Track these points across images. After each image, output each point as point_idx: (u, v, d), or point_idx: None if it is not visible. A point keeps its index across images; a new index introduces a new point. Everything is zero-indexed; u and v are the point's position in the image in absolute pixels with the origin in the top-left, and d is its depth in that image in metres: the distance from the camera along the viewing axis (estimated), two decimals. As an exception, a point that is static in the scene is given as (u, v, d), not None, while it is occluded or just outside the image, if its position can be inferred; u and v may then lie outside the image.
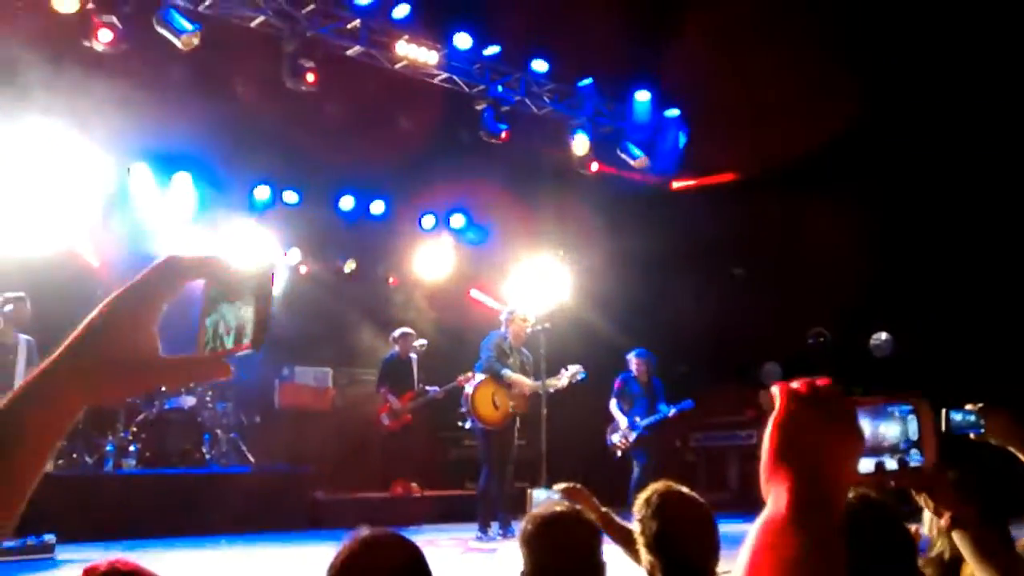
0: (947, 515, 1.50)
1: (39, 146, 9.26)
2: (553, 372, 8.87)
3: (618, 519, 3.01)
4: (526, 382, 8.61)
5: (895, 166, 10.74)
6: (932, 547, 2.49)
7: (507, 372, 8.58)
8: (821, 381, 0.99)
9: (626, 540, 2.82)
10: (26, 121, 8.99)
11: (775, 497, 0.90)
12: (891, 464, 1.17)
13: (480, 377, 8.67)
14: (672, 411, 9.94)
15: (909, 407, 1.18)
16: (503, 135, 11.08)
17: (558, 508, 2.59)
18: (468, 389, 8.66)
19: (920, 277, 10.72)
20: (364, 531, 2.09)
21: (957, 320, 10.34)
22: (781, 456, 0.93)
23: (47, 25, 8.65)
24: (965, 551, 1.49)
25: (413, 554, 2.08)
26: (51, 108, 8.92)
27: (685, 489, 2.58)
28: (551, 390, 8.75)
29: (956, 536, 1.50)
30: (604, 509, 3.05)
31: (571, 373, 8.82)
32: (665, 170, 12.53)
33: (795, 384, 0.99)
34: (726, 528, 2.62)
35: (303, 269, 12.70)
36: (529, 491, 5.65)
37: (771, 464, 0.93)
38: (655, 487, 2.58)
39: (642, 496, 2.55)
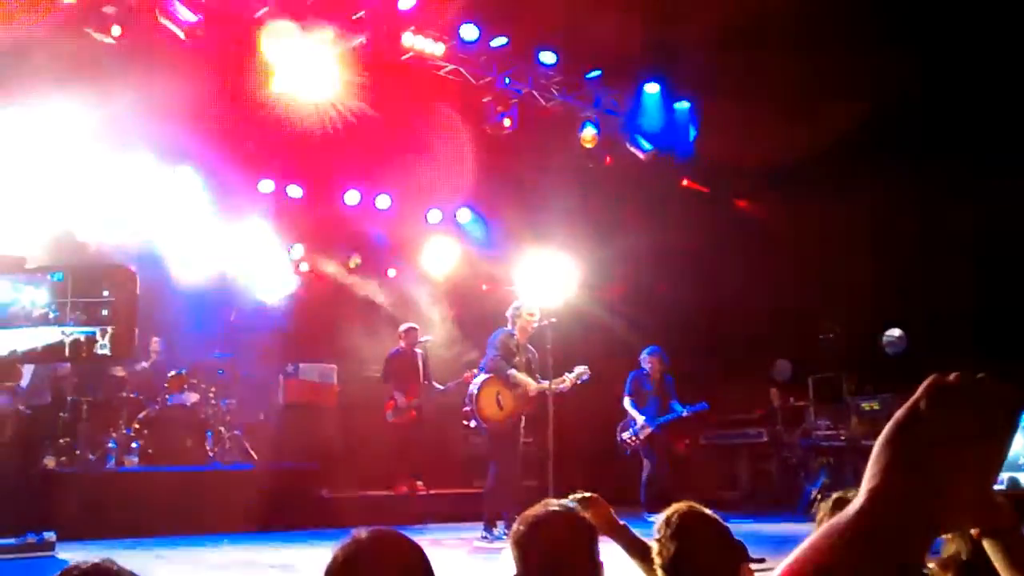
0: None
1: (42, 135, 9.17)
2: (560, 369, 8.74)
3: (634, 533, 2.88)
4: (531, 384, 8.45)
5: (907, 159, 10.59)
6: (946, 548, 2.39)
7: (513, 372, 8.44)
8: (978, 375, 0.84)
9: (642, 555, 2.70)
10: (29, 111, 8.91)
11: (863, 489, 0.80)
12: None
13: (485, 376, 8.52)
14: (687, 412, 9.90)
15: None
16: (510, 128, 10.95)
17: (551, 508, 2.47)
18: (473, 389, 8.52)
19: (935, 272, 10.57)
20: (364, 531, 1.97)
21: (972, 316, 10.19)
22: (884, 444, 0.81)
23: (51, 15, 8.57)
24: (997, 561, 1.36)
25: (415, 556, 1.96)
26: (53, 99, 8.84)
27: (707, 511, 2.47)
28: (557, 390, 8.61)
29: (987, 544, 1.36)
30: (622, 523, 2.91)
31: (576, 374, 8.69)
32: (675, 163, 12.37)
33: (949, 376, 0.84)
34: (736, 527, 2.53)
35: (306, 265, 12.61)
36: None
37: (874, 453, 0.81)
38: (677, 507, 2.47)
39: (662, 516, 2.45)
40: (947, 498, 0.79)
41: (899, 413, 0.83)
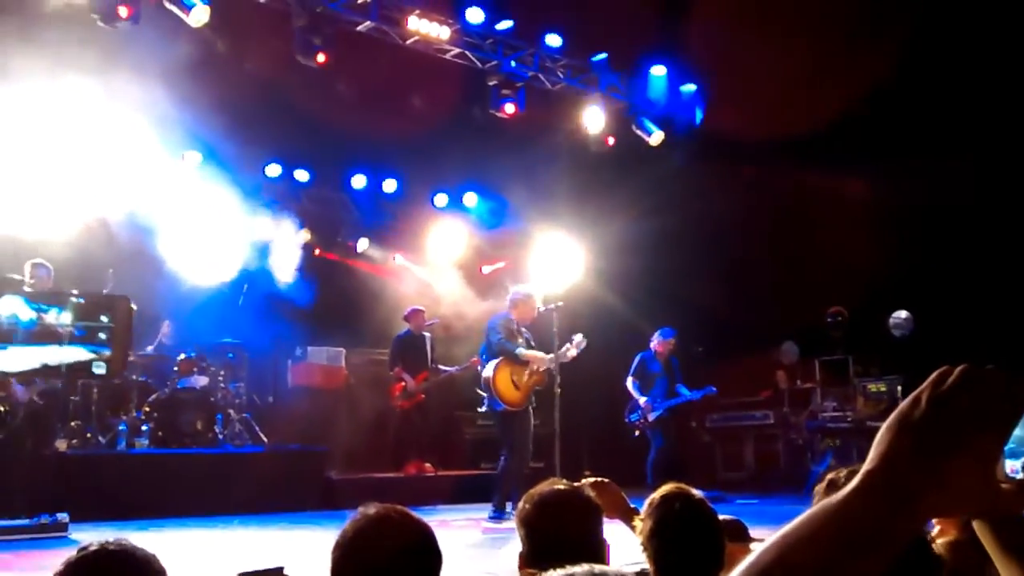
0: None
1: (47, 118, 9.22)
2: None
3: None
4: (541, 355, 8.51)
5: (916, 138, 10.55)
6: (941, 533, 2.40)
7: (521, 350, 8.48)
8: (985, 367, 0.85)
9: None
10: (31, 103, 8.96)
11: (860, 472, 0.82)
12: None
13: (496, 361, 8.54)
14: (695, 396, 9.95)
15: None
16: (513, 110, 10.93)
17: (557, 487, 2.51)
18: (487, 373, 8.51)
19: (942, 253, 10.55)
20: (372, 507, 2.01)
21: (980, 298, 10.17)
22: (885, 431, 0.83)
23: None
24: (987, 543, 1.36)
25: (422, 531, 2.01)
26: (59, 86, 8.88)
27: (694, 492, 2.49)
28: (565, 359, 8.64)
29: (977, 527, 1.37)
30: (633, 506, 2.95)
31: (576, 342, 8.70)
32: (681, 146, 12.34)
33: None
34: (742, 508, 2.56)
35: (315, 250, 12.65)
36: None
37: (876, 441, 0.83)
38: (663, 488, 2.50)
39: (649, 498, 2.48)
40: (944, 485, 0.80)
41: (903, 403, 0.84)
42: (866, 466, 0.82)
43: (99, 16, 8.53)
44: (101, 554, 1.84)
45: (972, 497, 0.83)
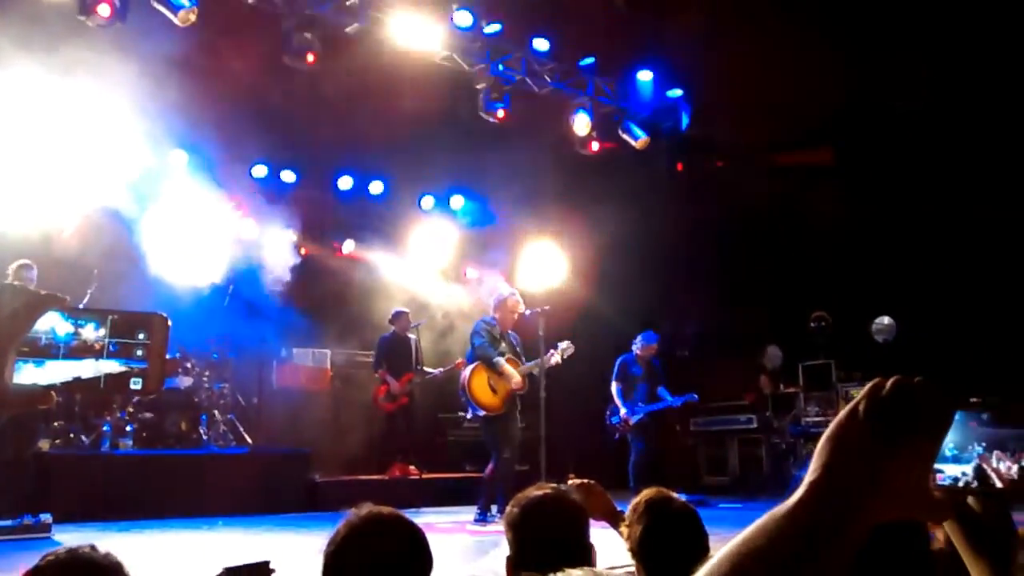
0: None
1: (31, 120, 9.17)
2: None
3: None
4: (516, 376, 8.50)
5: (900, 144, 10.64)
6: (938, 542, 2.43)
7: (500, 360, 8.49)
8: (915, 379, 0.89)
9: None
10: (17, 97, 8.91)
11: (804, 482, 0.85)
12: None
13: (473, 365, 8.58)
14: (676, 403, 10.00)
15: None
16: (503, 114, 10.95)
17: (544, 491, 2.53)
18: (464, 376, 8.56)
19: (925, 259, 10.64)
20: (365, 508, 2.03)
21: (963, 303, 10.26)
22: (825, 441, 0.86)
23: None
24: (957, 543, 1.41)
25: (414, 533, 2.03)
26: (45, 85, 8.84)
27: (675, 495, 2.53)
28: (548, 366, 8.69)
29: (949, 530, 1.42)
30: (619, 509, 2.97)
31: (562, 349, 8.81)
32: (668, 150, 12.40)
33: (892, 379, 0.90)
34: (725, 511, 2.59)
35: (301, 250, 12.63)
36: None
37: (816, 451, 0.86)
38: (645, 492, 2.53)
39: (631, 504, 2.51)
40: (882, 491, 0.84)
41: (840, 414, 0.88)
42: (809, 476, 0.85)
43: (85, 17, 8.49)
44: (58, 562, 1.85)
45: (909, 502, 0.87)
